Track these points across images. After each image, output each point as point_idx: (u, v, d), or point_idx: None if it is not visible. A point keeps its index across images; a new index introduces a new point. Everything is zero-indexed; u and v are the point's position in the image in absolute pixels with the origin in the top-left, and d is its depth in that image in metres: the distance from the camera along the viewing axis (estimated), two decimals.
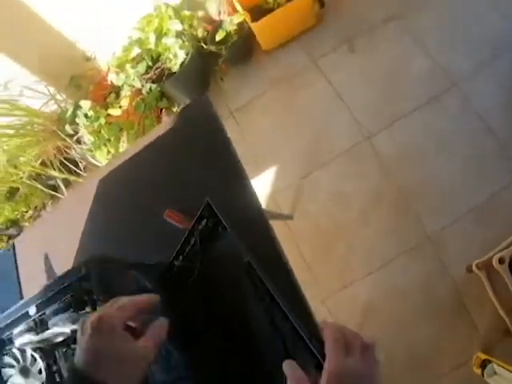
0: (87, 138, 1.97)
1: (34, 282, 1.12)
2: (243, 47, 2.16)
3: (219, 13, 2.17)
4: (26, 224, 2.28)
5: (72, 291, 0.70)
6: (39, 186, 2.05)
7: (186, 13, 2.07)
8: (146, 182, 1.06)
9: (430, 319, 1.54)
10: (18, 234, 2.42)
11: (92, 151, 2.01)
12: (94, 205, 1.11)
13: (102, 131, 1.93)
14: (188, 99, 2.19)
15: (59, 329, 0.72)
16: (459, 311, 1.51)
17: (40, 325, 0.72)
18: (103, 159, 1.97)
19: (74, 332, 0.74)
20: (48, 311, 0.71)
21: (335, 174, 1.82)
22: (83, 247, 1.07)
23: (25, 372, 0.74)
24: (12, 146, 1.96)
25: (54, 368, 0.75)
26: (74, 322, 0.72)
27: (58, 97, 2.26)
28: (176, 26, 2.02)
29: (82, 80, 2.20)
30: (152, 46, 2.04)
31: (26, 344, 0.74)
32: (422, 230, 1.63)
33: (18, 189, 2.25)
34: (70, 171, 2.12)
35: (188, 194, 0.97)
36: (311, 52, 2.12)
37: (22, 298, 1.12)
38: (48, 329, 0.72)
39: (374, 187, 1.75)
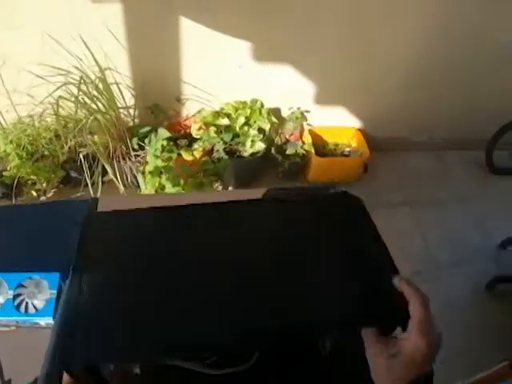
0: (151, 160, 2.09)
1: None
2: (297, 168, 2.58)
3: (291, 134, 2.63)
4: (33, 193, 2.17)
5: None
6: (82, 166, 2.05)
7: (273, 119, 2.48)
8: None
9: None
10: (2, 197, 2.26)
11: (144, 173, 2.12)
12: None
13: (168, 164, 2.09)
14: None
15: None
16: None
17: None
18: (151, 186, 2.08)
19: None
20: None
21: None
22: None
23: None
24: (83, 116, 2.01)
25: None
26: None
27: (130, 110, 2.40)
28: (264, 124, 2.41)
29: (160, 112, 2.40)
30: (237, 126, 2.38)
31: None
32: None
33: (41, 158, 2.19)
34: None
35: None
36: None
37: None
38: None
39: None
